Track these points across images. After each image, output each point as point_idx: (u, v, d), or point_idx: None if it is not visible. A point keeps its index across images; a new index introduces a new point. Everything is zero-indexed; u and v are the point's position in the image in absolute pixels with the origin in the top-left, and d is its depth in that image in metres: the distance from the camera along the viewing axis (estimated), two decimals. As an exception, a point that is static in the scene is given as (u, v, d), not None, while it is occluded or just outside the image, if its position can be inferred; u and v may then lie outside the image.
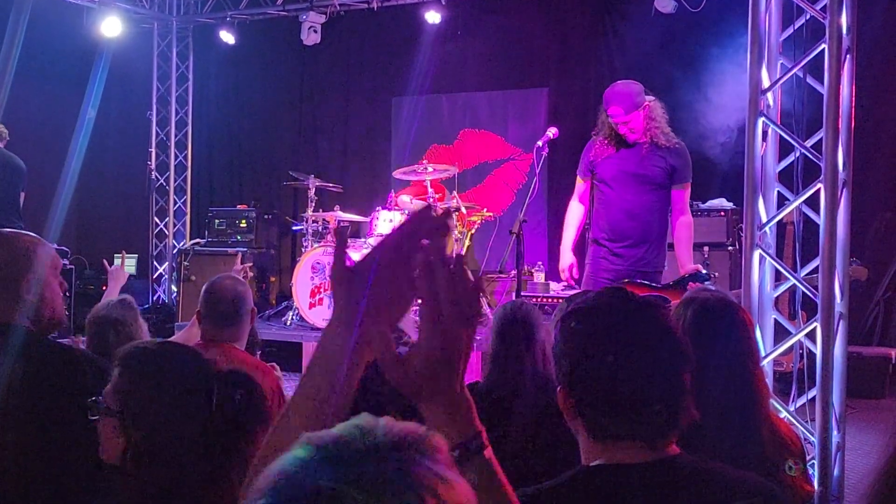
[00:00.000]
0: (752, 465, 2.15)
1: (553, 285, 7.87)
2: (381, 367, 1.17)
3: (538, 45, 9.24)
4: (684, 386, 1.64)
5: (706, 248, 7.38)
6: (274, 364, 3.98)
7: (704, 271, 4.72)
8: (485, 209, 8.25)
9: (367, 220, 8.15)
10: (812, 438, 3.93)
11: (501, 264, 5.50)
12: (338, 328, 1.21)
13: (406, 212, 7.78)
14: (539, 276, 7.94)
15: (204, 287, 3.65)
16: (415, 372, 1.16)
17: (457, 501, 0.85)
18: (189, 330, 3.95)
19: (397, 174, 8.12)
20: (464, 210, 7.79)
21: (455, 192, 7.94)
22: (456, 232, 7.78)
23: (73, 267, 9.67)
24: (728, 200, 7.84)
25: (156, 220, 10.43)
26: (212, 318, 3.52)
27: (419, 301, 1.19)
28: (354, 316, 1.20)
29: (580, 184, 5.36)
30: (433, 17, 9.06)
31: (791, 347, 4.27)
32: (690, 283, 4.74)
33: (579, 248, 5.50)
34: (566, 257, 5.31)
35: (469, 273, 1.18)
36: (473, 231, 8.09)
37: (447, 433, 1.14)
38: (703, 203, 7.84)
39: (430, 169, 7.80)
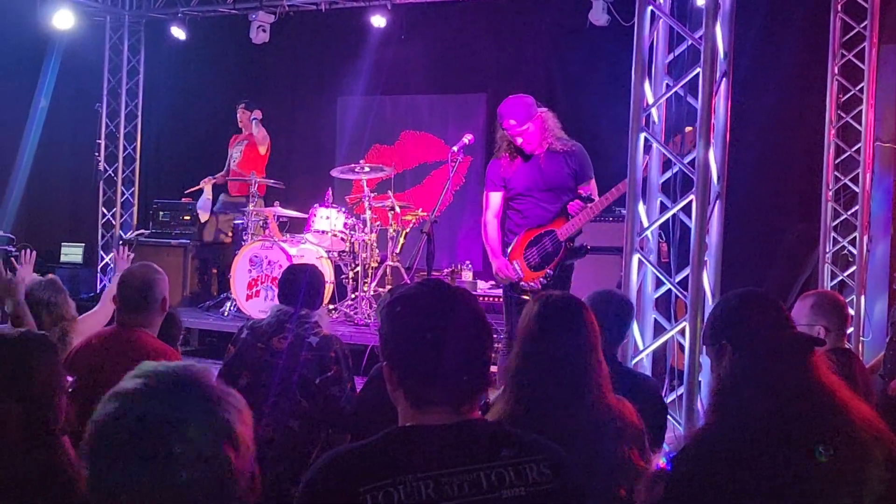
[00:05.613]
0: (581, 441, 2.50)
1: (481, 284, 8.18)
2: None
3: (478, 51, 9.55)
4: (486, 359, 1.94)
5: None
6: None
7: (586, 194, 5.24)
8: (420, 209, 8.52)
9: (306, 216, 8.44)
10: (680, 429, 4.29)
11: (410, 262, 5.79)
12: None
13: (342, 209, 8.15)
14: (467, 275, 8.26)
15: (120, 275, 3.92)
16: None
17: None
18: (95, 312, 4.20)
19: (335, 173, 8.40)
20: (398, 209, 8.08)
21: (390, 192, 8.23)
22: (391, 230, 8.10)
23: (18, 254, 9.84)
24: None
25: (103, 210, 10.63)
26: (122, 303, 3.78)
27: None
28: None
29: (494, 199, 5.55)
30: (378, 21, 9.33)
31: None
32: (569, 204, 5.30)
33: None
34: (499, 261, 5.47)
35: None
36: (408, 230, 8.38)
37: None
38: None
39: (366, 169, 8.08)
